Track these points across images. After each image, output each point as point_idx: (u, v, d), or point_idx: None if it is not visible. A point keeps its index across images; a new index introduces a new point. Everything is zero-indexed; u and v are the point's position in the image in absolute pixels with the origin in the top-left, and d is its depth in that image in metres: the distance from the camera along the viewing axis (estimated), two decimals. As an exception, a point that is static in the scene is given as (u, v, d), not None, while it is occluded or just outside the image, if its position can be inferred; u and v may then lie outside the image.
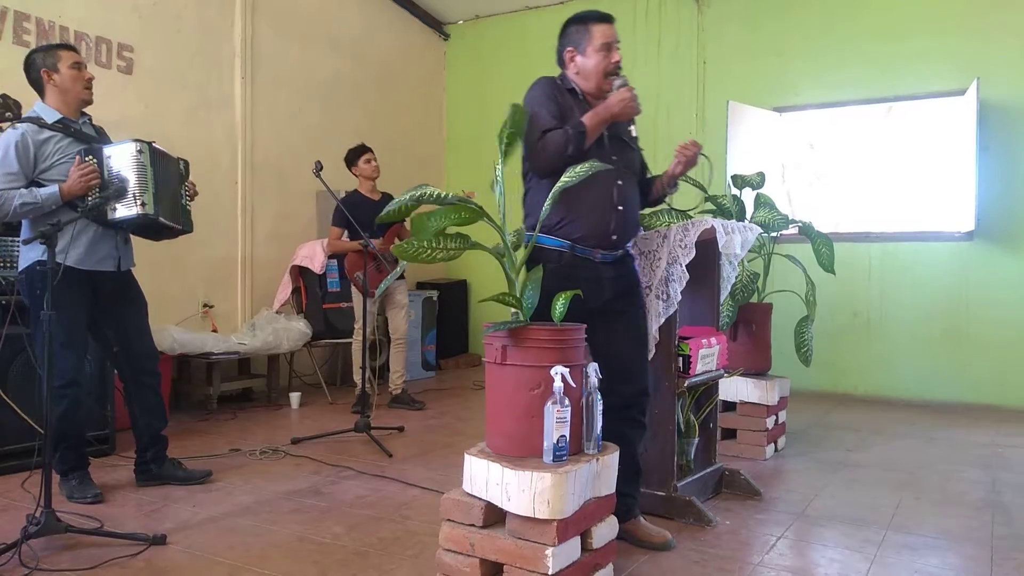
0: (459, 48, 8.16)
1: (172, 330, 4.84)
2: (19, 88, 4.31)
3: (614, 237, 2.57)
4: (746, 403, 4.02)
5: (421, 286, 7.30)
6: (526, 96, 2.55)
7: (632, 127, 2.73)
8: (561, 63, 2.69)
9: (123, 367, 3.40)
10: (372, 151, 5.33)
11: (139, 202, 3.09)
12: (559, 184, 2.27)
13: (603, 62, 2.59)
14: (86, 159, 3.06)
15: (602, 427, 2.24)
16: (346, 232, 5.11)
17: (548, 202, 2.30)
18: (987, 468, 3.90)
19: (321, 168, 4.22)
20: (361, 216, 4.59)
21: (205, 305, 5.59)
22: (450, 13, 7.96)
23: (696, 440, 3.27)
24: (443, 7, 7.84)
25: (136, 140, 3.16)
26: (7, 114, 2.55)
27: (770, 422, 4.05)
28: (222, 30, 5.75)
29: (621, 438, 2.47)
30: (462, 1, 7.71)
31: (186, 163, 3.49)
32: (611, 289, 2.59)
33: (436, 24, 8.02)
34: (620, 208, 2.57)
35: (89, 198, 3.05)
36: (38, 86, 3.17)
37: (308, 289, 5.89)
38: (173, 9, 5.38)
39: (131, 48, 5.09)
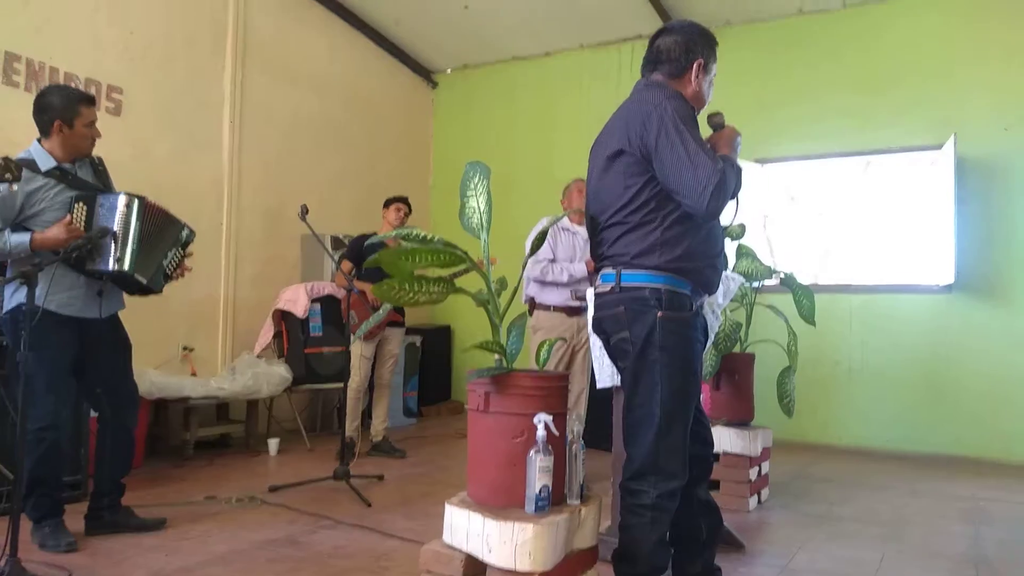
0: (447, 96, 8.28)
1: (151, 374, 4.76)
2: (7, 127, 4.35)
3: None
4: (729, 454, 3.99)
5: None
6: (667, 112, 2.16)
7: None
8: (676, 71, 2.34)
9: (103, 409, 3.34)
10: (404, 203, 5.27)
11: (115, 257, 3.08)
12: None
13: (710, 92, 2.40)
14: (76, 205, 3.05)
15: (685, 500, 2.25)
16: (354, 270, 5.07)
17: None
18: (969, 522, 3.89)
19: (307, 212, 4.22)
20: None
21: (185, 348, 5.53)
22: (439, 62, 8.10)
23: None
24: (432, 56, 7.98)
25: (127, 194, 3.15)
26: (6, 175, 2.57)
27: (753, 473, 4.02)
28: (212, 73, 5.81)
29: (707, 505, 2.45)
30: (450, 50, 7.85)
31: (191, 232, 3.43)
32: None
33: (424, 72, 8.15)
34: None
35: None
36: (44, 129, 3.11)
37: (290, 333, 5.84)
38: (164, 52, 5.44)
39: (120, 90, 5.12)
